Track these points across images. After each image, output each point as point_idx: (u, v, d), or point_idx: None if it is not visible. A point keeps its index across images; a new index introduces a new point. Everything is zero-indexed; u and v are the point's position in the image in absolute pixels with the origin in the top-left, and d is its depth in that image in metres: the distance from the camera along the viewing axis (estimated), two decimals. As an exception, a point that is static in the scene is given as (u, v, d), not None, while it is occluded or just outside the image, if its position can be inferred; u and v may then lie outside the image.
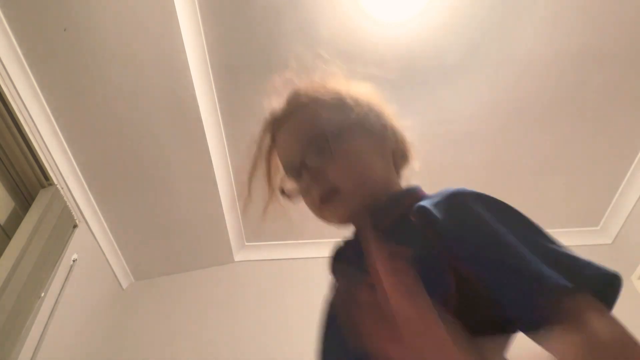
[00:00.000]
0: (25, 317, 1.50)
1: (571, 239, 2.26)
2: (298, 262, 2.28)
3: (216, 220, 2.11)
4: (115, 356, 1.93)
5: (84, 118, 1.71)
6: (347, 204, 0.65)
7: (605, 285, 0.51)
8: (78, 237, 1.87)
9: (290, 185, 0.71)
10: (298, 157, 0.68)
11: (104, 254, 2.07)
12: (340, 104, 0.68)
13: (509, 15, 1.60)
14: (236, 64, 1.70)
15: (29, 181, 1.71)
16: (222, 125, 1.88)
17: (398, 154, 0.72)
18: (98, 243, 2.02)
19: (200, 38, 1.62)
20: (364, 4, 1.55)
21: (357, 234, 0.70)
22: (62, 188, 1.79)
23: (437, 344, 0.43)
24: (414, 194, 0.67)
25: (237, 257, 2.32)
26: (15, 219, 1.71)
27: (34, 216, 1.61)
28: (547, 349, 0.47)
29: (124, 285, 2.24)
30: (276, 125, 0.72)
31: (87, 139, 1.76)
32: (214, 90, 1.77)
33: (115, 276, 2.18)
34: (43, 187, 1.74)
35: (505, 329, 0.54)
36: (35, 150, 1.64)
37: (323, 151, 0.65)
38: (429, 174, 2.22)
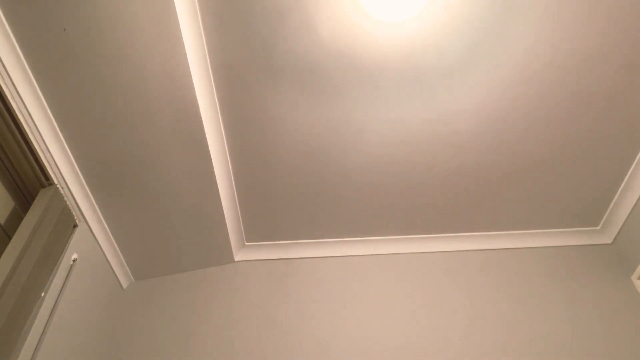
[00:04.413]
0: (25, 317, 1.50)
1: (571, 239, 2.28)
2: (298, 262, 2.28)
3: (216, 220, 2.11)
4: (115, 356, 1.93)
5: (84, 118, 1.71)
6: None
7: None
8: (78, 237, 1.88)
9: None
10: None
11: (104, 254, 2.07)
12: None
13: (508, 15, 1.60)
14: (236, 64, 1.70)
15: (29, 181, 1.71)
16: (222, 126, 1.88)
17: None
18: (98, 243, 2.02)
19: (200, 38, 1.62)
20: (364, 4, 1.55)
21: None
22: (62, 188, 1.79)
23: None
24: None
25: (237, 257, 2.33)
26: (16, 219, 1.71)
27: (34, 216, 1.61)
28: None
29: (124, 285, 2.24)
30: None
31: (87, 138, 1.76)
32: (214, 90, 1.77)
33: (115, 276, 2.18)
34: (43, 187, 1.74)
35: None
36: (35, 150, 1.64)
37: None
38: (428, 174, 2.24)
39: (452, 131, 1.91)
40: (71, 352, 1.77)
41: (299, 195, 2.13)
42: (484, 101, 1.82)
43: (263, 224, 2.25)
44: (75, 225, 1.88)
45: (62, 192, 1.78)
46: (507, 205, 2.18)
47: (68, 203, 1.81)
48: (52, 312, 1.66)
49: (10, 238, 1.57)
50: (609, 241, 2.24)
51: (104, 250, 2.06)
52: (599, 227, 2.27)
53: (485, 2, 1.57)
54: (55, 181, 1.76)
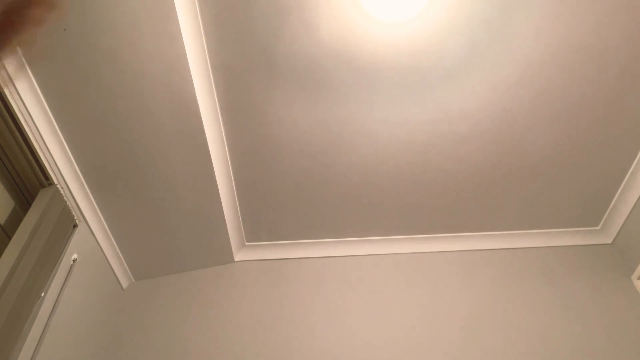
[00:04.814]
0: (25, 317, 1.50)
1: (571, 239, 2.28)
2: (298, 262, 2.28)
3: (216, 220, 2.11)
4: (115, 356, 1.93)
5: (84, 118, 1.71)
6: None
7: None
8: (78, 237, 1.87)
9: None
10: None
11: (104, 254, 2.07)
12: None
13: (509, 15, 1.60)
14: (236, 64, 1.70)
15: (29, 181, 1.71)
16: (222, 125, 1.88)
17: None
18: (98, 243, 2.02)
19: (200, 38, 1.62)
20: (364, 4, 1.55)
21: None
22: (62, 188, 1.79)
23: None
24: None
25: (237, 257, 2.33)
26: (16, 219, 1.71)
27: (34, 216, 1.61)
28: None
29: (124, 285, 2.24)
30: None
31: (87, 139, 1.76)
32: (214, 90, 1.77)
33: (115, 276, 2.18)
34: (43, 187, 1.74)
35: None
36: (35, 150, 1.64)
37: None
38: (428, 174, 2.23)
39: (452, 131, 1.91)
40: (71, 352, 1.77)
41: (299, 195, 2.13)
42: (484, 101, 1.82)
43: (263, 224, 2.25)
44: (75, 225, 1.88)
45: (62, 192, 1.78)
46: (507, 205, 2.18)
47: (68, 203, 1.81)
48: (52, 312, 1.66)
49: (10, 238, 1.57)
50: (609, 241, 2.24)
51: (104, 250, 2.06)
52: (599, 227, 2.27)
53: (486, 2, 1.57)
54: (55, 181, 1.75)
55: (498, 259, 2.22)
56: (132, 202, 1.99)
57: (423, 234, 2.30)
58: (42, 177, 1.72)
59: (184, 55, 1.57)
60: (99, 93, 1.64)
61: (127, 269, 2.24)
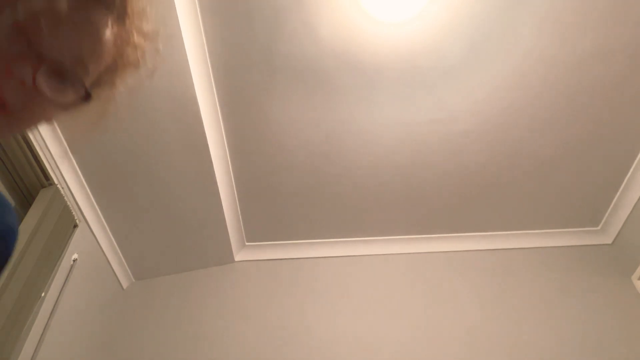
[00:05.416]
0: (25, 317, 1.50)
1: (571, 239, 2.28)
2: (298, 262, 2.28)
3: (216, 220, 2.11)
4: (115, 356, 1.93)
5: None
6: None
7: None
8: (78, 237, 1.87)
9: None
10: None
11: (104, 253, 2.07)
12: None
13: (509, 15, 1.60)
14: (236, 64, 1.70)
15: (30, 181, 1.71)
16: (222, 125, 1.88)
17: None
18: (98, 243, 2.02)
19: (200, 38, 1.62)
20: (364, 4, 1.55)
21: None
22: (62, 188, 1.79)
23: None
24: None
25: (237, 257, 2.33)
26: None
27: (35, 216, 1.61)
28: None
29: (124, 285, 2.24)
30: None
31: (87, 139, 1.76)
32: (214, 90, 1.77)
33: (116, 276, 2.18)
34: (43, 187, 1.74)
35: None
36: (36, 150, 1.64)
37: None
38: (428, 175, 2.22)
39: (453, 132, 1.91)
40: (71, 352, 1.77)
41: (299, 195, 2.13)
42: (484, 101, 1.82)
43: (263, 224, 2.25)
44: (75, 225, 1.88)
45: (62, 192, 1.78)
46: (507, 205, 2.18)
47: (68, 203, 1.81)
48: (52, 312, 1.66)
49: (10, 238, 1.57)
50: (609, 241, 2.24)
51: (104, 250, 2.06)
52: (599, 228, 2.27)
53: (486, 2, 1.57)
54: (55, 181, 1.75)
55: (498, 259, 2.22)
56: (133, 202, 1.99)
57: (423, 234, 2.30)
58: (43, 177, 1.72)
59: (184, 55, 1.57)
60: (99, 93, 1.64)
61: (127, 269, 2.24)
